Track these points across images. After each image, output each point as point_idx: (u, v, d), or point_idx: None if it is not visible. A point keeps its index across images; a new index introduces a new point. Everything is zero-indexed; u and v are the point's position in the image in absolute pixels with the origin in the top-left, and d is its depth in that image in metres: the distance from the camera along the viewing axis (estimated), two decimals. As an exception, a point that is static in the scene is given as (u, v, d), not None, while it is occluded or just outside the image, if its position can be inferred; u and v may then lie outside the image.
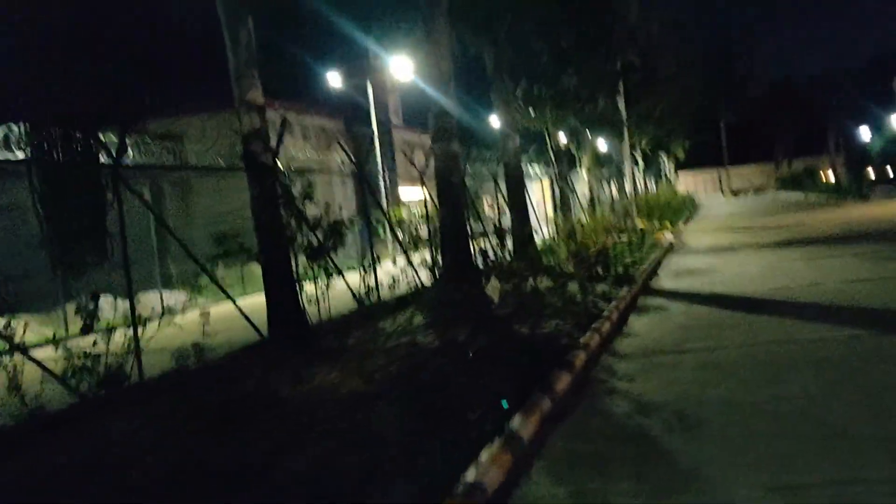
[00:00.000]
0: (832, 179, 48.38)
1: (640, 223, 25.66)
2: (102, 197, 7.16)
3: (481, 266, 13.39)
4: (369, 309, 11.23)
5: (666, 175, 65.95)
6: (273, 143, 9.49)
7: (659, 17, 31.42)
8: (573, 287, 11.91)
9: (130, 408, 6.51)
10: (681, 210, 36.81)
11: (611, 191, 32.90)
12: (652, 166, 58.25)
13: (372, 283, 11.91)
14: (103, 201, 7.16)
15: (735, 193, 73.39)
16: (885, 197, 33.82)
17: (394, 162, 41.50)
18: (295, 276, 9.07)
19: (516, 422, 5.17)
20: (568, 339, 8.05)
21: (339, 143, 15.39)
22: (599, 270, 14.08)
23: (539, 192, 22.84)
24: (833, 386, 5.74)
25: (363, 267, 12.03)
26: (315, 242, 9.54)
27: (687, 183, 77.80)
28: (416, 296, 12.23)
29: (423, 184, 15.27)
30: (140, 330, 7.14)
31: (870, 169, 41.01)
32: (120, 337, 6.99)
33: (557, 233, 19.54)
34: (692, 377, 6.44)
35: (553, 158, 23.34)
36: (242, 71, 8.77)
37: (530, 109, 20.60)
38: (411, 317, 10.37)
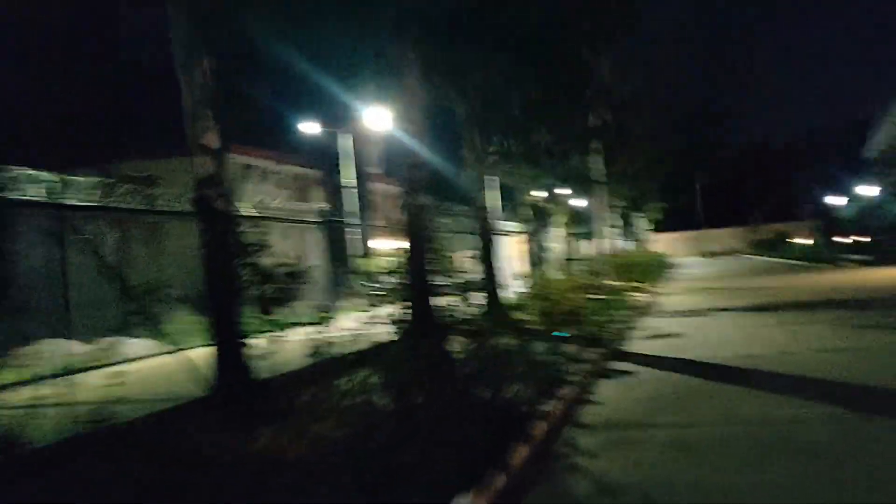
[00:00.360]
0: (805, 244, 48.60)
1: (614, 282, 25.38)
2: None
3: (448, 322, 12.93)
4: (328, 364, 10.68)
5: (642, 235, 66.19)
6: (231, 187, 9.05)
7: (633, 78, 31.66)
8: (542, 347, 11.46)
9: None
10: (656, 270, 36.63)
11: (589, 248, 32.74)
12: (628, 225, 58.48)
13: (335, 336, 11.39)
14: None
15: (710, 256, 73.74)
16: (856, 264, 33.87)
17: (372, 213, 41.24)
18: (241, 328, 8.52)
19: (466, 503, 4.67)
20: (529, 406, 7.57)
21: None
22: (570, 330, 13.69)
23: (514, 248, 22.52)
24: (814, 478, 5.27)
25: (326, 319, 11.51)
26: (269, 293, 9.01)
27: (663, 244, 78.08)
28: (379, 351, 11.70)
29: (394, 236, 14.87)
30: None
31: (842, 237, 41.13)
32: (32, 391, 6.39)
33: (530, 290, 19.14)
34: (661, 457, 5.95)
35: (527, 214, 23.06)
36: (198, 112, 8.34)
37: (501, 165, 20.33)
38: (370, 374, 9.83)
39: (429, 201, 12.49)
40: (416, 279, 12.19)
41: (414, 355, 10.93)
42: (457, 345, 11.50)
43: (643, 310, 20.03)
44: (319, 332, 10.97)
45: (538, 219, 24.10)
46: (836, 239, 39.92)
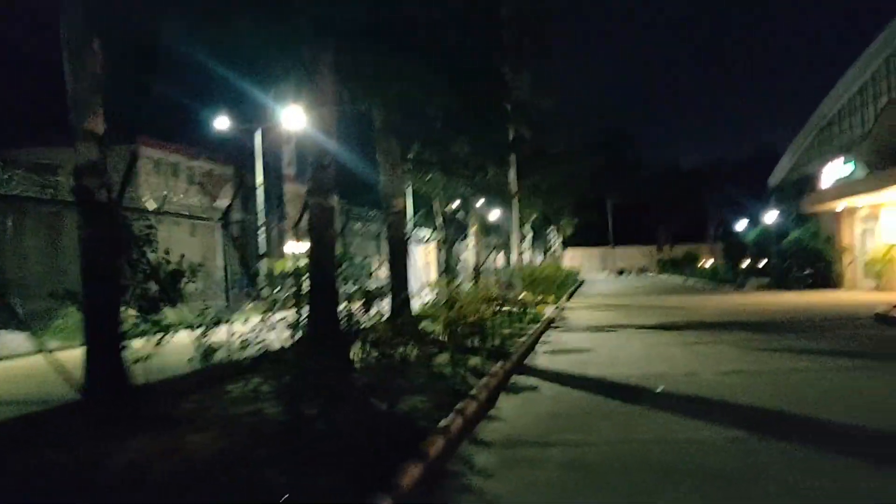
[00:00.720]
0: (711, 266, 49.96)
1: (523, 295, 25.37)
2: None
3: (352, 329, 12.48)
4: (217, 371, 10.10)
5: (553, 250, 66.99)
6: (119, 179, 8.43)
7: (552, 96, 31.88)
8: (446, 358, 11.17)
9: None
10: (565, 285, 36.94)
11: (500, 260, 32.72)
12: (540, 240, 59.07)
13: (230, 340, 10.80)
14: None
15: (619, 272, 75.22)
16: (758, 287, 34.93)
17: (283, 213, 40.29)
18: (121, 329, 7.90)
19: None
20: (427, 421, 7.23)
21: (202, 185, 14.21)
22: (475, 342, 13.45)
23: (425, 257, 22.23)
24: (712, 502, 5.09)
25: (221, 322, 10.90)
26: (154, 292, 8.42)
27: (573, 259, 79.31)
28: (276, 358, 11.16)
29: (298, 238, 14.37)
30: None
31: (744, 260, 42.41)
32: None
33: (440, 299, 18.86)
34: (557, 478, 5.68)
35: (440, 224, 22.80)
36: (83, 96, 7.71)
37: (417, 173, 20.02)
38: (262, 383, 9.31)
39: (335, 204, 12.04)
40: (319, 283, 11.72)
41: (311, 363, 10.47)
42: (359, 353, 11.09)
43: (551, 324, 19.99)
44: (211, 336, 10.37)
45: (452, 229, 23.88)
46: (739, 262, 41.04)
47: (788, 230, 41.77)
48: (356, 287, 15.31)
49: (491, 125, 22.70)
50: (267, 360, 10.92)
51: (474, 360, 11.43)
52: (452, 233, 23.30)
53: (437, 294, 18.47)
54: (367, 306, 10.83)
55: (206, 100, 31.87)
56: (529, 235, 50.37)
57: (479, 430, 7.41)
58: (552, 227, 62.96)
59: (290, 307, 12.80)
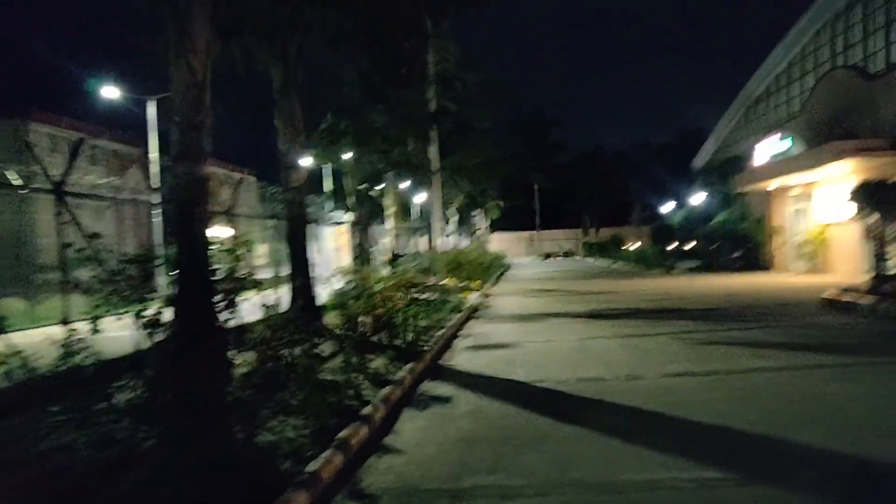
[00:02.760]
0: (638, 249, 49.11)
1: (446, 281, 23.58)
2: None
3: (234, 326, 10.41)
4: (78, 372, 7.97)
5: (479, 233, 65.49)
6: None
7: (477, 70, 30.18)
8: (345, 360, 9.29)
9: None
10: (491, 269, 35.36)
11: (423, 244, 30.89)
12: (466, 223, 57.45)
13: (66, 342, 8.65)
14: None
15: (546, 257, 74.31)
16: (688, 270, 33.97)
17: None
18: None
19: None
20: (294, 460, 5.31)
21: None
22: (384, 338, 11.56)
23: (337, 240, 20.18)
24: None
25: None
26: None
27: (500, 243, 78.08)
28: (129, 364, 9.04)
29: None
30: None
31: (672, 243, 41.57)
32: None
33: (350, 287, 16.80)
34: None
35: (352, 203, 20.76)
36: None
37: (325, 145, 17.96)
38: (94, 401, 7.22)
39: (207, 173, 9.94)
40: (187, 271, 9.64)
41: (172, 372, 8.45)
42: (238, 356, 9.07)
43: (474, 312, 18.25)
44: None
45: (366, 209, 21.86)
46: (667, 245, 40.14)
47: (715, 212, 41.10)
48: (246, 274, 13.28)
49: (410, 88, 20.78)
50: (116, 368, 8.84)
51: (378, 363, 9.56)
52: (366, 213, 21.26)
53: (349, 282, 16.46)
54: (228, 298, 8.82)
55: (99, 71, 28.97)
56: (455, 219, 48.70)
57: (365, 473, 5.53)
58: (478, 210, 61.43)
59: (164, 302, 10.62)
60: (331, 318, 13.71)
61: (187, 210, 9.86)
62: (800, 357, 9.72)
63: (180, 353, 9.14)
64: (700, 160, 50.46)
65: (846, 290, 15.87)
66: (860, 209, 16.71)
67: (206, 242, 10.04)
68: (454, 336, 13.68)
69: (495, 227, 73.18)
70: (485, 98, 32.94)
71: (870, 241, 17.02)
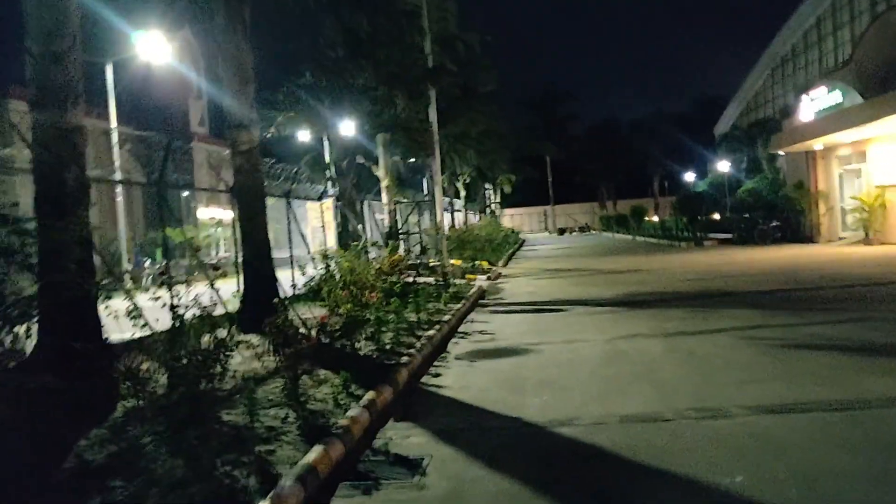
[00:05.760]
0: (662, 221, 45.89)
1: (452, 261, 20.60)
2: None
3: (137, 340, 7.43)
4: None
5: (491, 208, 62.29)
6: None
7: (481, 32, 27.09)
8: (280, 386, 6.42)
9: None
10: (502, 248, 32.33)
11: (424, 221, 27.99)
12: (476, 198, 54.25)
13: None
14: None
15: (561, 232, 71.15)
16: (717, 243, 30.80)
17: (191, 176, 35.09)
18: None
19: None
20: None
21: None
22: (353, 342, 8.61)
23: (319, 218, 17.20)
24: None
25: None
26: None
27: (513, 218, 74.98)
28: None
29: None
30: None
31: (699, 214, 38.36)
32: None
33: (332, 274, 13.68)
34: None
35: (332, 174, 17.71)
36: None
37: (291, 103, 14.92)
38: None
39: (80, 121, 6.97)
40: (49, 259, 6.68)
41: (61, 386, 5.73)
42: (128, 383, 6.17)
43: (480, 299, 15.29)
44: None
45: (351, 180, 18.80)
46: (695, 216, 36.88)
47: (743, 179, 37.80)
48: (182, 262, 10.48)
49: (402, 44, 17.74)
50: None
51: (327, 389, 6.62)
52: (351, 187, 18.19)
53: (330, 267, 13.36)
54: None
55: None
56: (464, 193, 45.62)
57: None
58: (489, 184, 58.21)
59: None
60: (295, 314, 10.73)
61: (52, 177, 6.92)
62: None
63: (52, 367, 6.34)
64: (723, 126, 47.20)
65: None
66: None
67: (82, 224, 7.08)
68: (450, 335, 10.70)
69: (508, 201, 69.92)
70: (489, 59, 29.85)
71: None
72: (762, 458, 4.57)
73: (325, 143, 18.62)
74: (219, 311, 7.45)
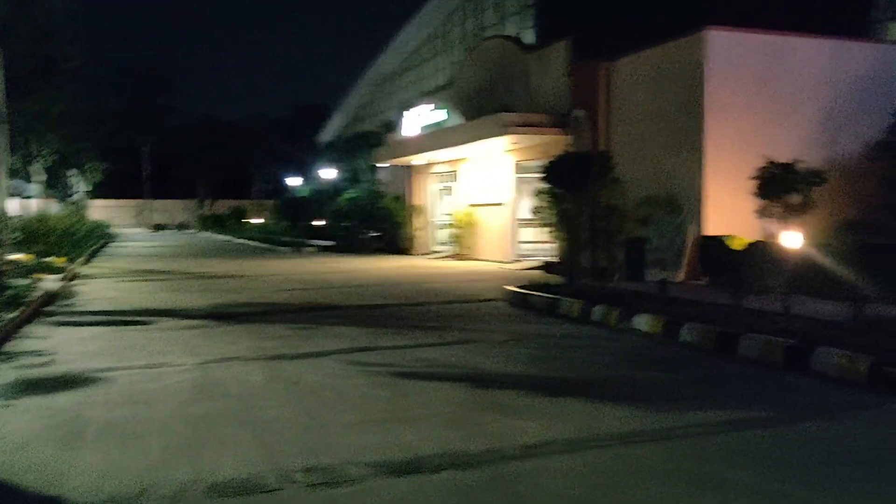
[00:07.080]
0: (262, 224, 44.83)
1: (17, 257, 17.17)
2: None
3: None
4: None
5: (77, 199, 55.94)
6: None
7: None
8: None
9: None
10: (86, 243, 28.59)
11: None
12: (59, 185, 48.21)
13: None
14: None
15: (157, 228, 66.77)
16: (321, 250, 30.62)
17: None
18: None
19: None
20: None
21: None
22: None
23: None
24: None
25: None
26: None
27: (104, 210, 68.38)
28: None
29: None
30: None
31: (302, 220, 38.04)
32: None
33: None
34: None
35: None
36: None
37: None
38: None
39: None
40: None
41: None
42: None
43: (47, 305, 12.68)
44: None
45: None
46: (297, 221, 36.42)
47: (344, 188, 38.32)
48: None
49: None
50: None
51: None
52: None
53: None
54: None
55: None
56: (42, 178, 40.02)
57: None
58: (75, 172, 52.15)
59: None
60: None
61: None
62: (591, 412, 6.12)
63: None
64: (328, 134, 47.86)
65: (523, 286, 13.33)
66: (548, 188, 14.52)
67: None
68: (-8, 358, 8.27)
69: (99, 193, 63.59)
70: (74, 30, 26.19)
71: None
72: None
73: None
74: None
